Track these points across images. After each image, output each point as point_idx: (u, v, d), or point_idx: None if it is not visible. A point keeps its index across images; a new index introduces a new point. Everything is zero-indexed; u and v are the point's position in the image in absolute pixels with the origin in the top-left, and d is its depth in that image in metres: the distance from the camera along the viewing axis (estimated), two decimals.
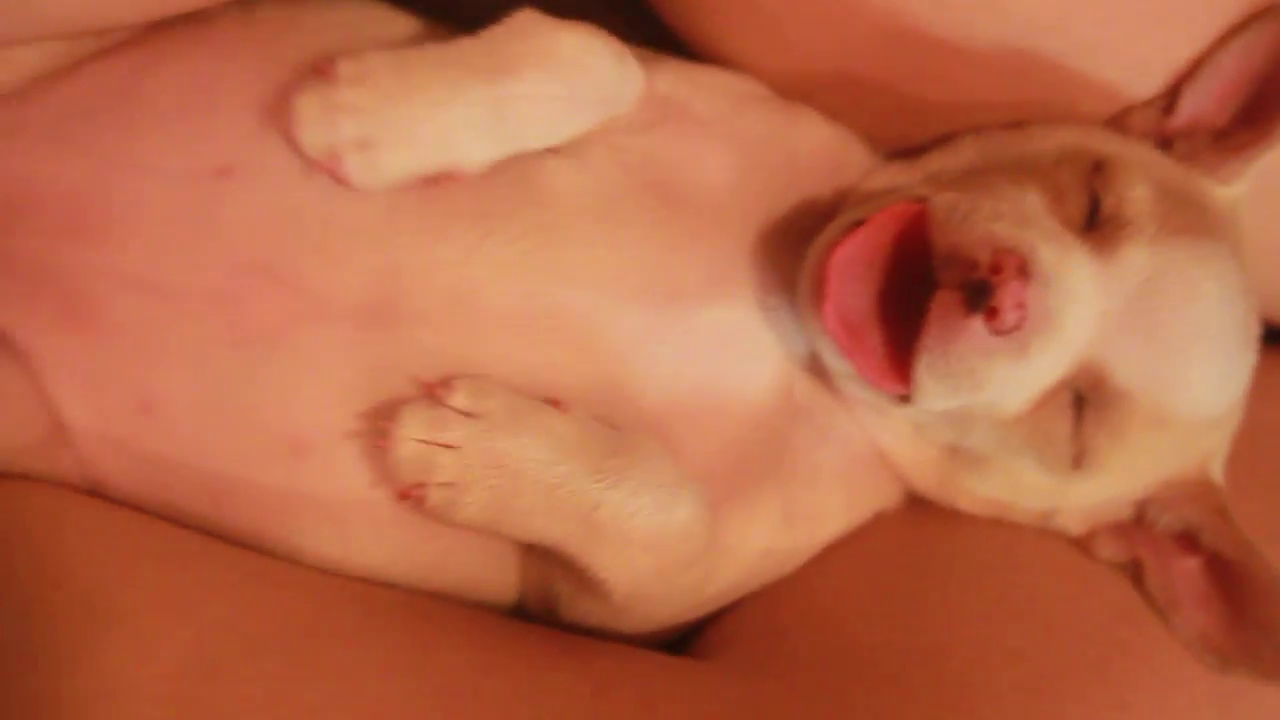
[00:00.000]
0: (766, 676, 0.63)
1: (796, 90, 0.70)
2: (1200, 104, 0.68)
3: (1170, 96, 0.68)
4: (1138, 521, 0.67)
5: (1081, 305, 0.59)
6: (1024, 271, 0.56)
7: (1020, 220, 0.59)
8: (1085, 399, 0.61)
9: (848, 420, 0.67)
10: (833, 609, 0.67)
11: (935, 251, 0.58)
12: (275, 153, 0.62)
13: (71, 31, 0.65)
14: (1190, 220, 0.62)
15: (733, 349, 0.65)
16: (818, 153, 0.69)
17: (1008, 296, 0.56)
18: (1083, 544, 0.68)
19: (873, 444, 0.68)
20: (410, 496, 0.59)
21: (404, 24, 0.69)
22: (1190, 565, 0.66)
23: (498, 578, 0.66)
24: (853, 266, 0.60)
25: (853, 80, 0.69)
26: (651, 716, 0.59)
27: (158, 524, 0.63)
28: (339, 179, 0.61)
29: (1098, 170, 0.63)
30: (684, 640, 0.69)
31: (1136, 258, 0.60)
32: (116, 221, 0.63)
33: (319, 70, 0.62)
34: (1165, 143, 0.68)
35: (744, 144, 0.68)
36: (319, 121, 0.60)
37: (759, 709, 0.61)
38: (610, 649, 0.64)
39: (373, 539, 0.63)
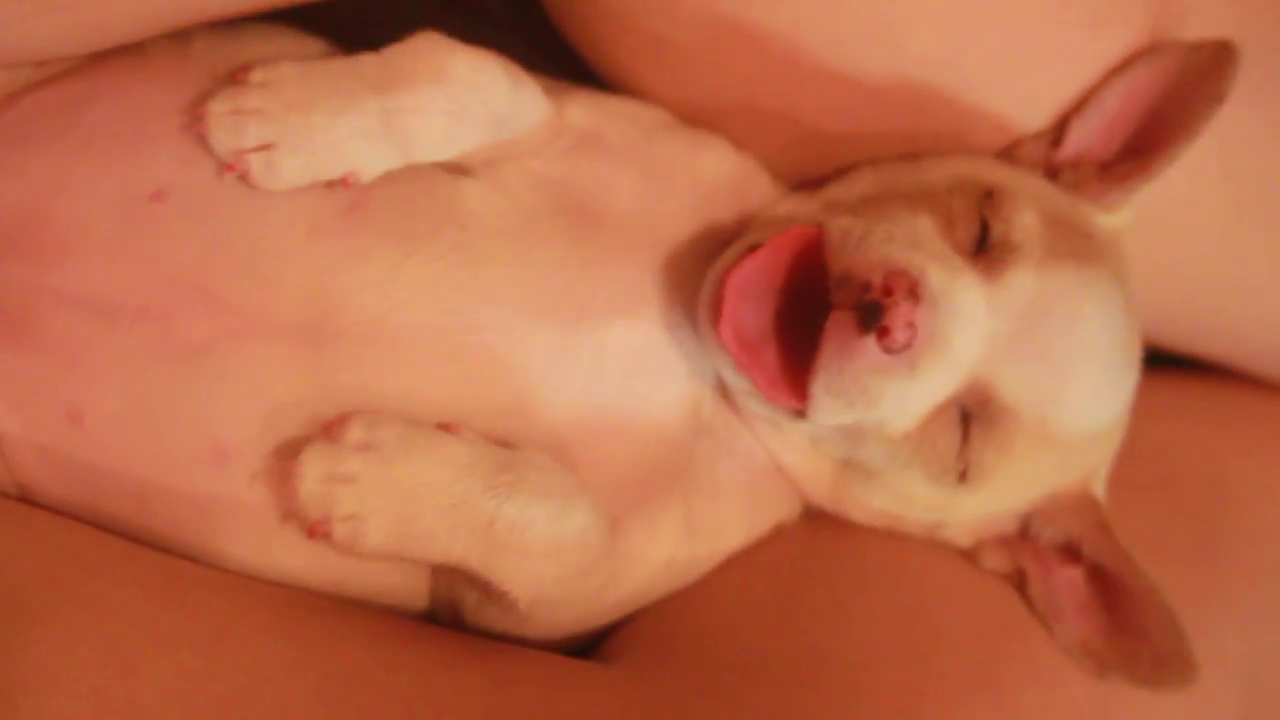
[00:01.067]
0: (661, 677, 0.66)
1: (702, 120, 0.73)
2: (1086, 137, 0.71)
3: (1058, 129, 0.71)
4: (1022, 534, 0.70)
5: (970, 326, 0.62)
6: (914, 293, 0.59)
7: (912, 244, 0.61)
8: (973, 416, 0.64)
9: (749, 436, 0.70)
10: (726, 615, 0.69)
11: (830, 273, 0.61)
12: (206, 178, 0.65)
13: (11, 62, 0.68)
14: (1075, 246, 0.65)
15: (640, 367, 0.68)
16: (722, 180, 0.72)
17: (899, 317, 0.59)
18: (970, 555, 0.71)
19: (772, 459, 0.71)
20: (318, 533, 0.61)
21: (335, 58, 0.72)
22: (1072, 575, 0.69)
23: (409, 585, 0.69)
24: (749, 287, 0.63)
25: (755, 112, 0.72)
26: (550, 711, 0.62)
27: (80, 527, 0.65)
28: (244, 180, 0.64)
29: (988, 198, 0.65)
30: (586, 652, 0.71)
31: (1023, 281, 0.63)
32: (54, 241, 0.65)
33: (234, 77, 0.65)
34: (1053, 173, 0.71)
35: (652, 170, 0.71)
36: (228, 125, 0.64)
37: (652, 706, 0.63)
38: (512, 649, 0.66)
39: (289, 546, 0.65)
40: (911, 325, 0.59)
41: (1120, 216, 0.71)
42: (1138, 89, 0.70)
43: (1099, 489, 0.69)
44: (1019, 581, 0.70)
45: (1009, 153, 0.72)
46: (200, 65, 0.69)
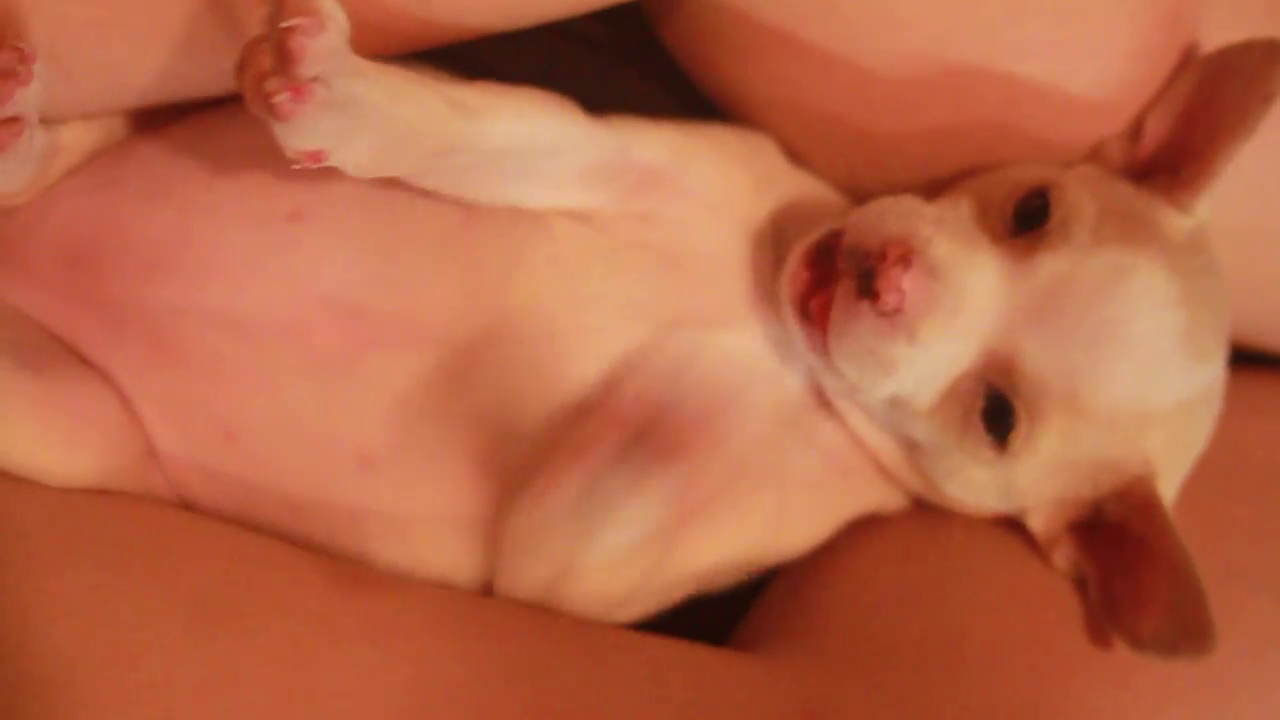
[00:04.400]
0: (802, 663, 0.68)
1: (816, 137, 0.76)
2: (1164, 130, 0.72)
3: (1137, 126, 0.72)
4: (1092, 525, 0.70)
5: (980, 296, 0.63)
6: (905, 259, 0.61)
7: (932, 220, 0.63)
8: (1001, 389, 0.64)
9: (833, 429, 0.72)
10: (861, 603, 0.71)
11: (843, 246, 0.64)
12: (340, 198, 0.68)
13: (163, 101, 0.71)
14: (1126, 233, 0.65)
15: (731, 375, 0.70)
16: (798, 213, 0.74)
17: (888, 281, 0.61)
18: (1043, 553, 0.72)
19: (864, 452, 0.73)
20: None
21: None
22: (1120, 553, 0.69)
23: None
24: (822, 261, 0.66)
25: (866, 134, 0.74)
26: (704, 697, 0.64)
27: (248, 533, 0.68)
28: None
29: (1037, 188, 0.66)
30: (722, 635, 0.75)
31: (1052, 261, 0.63)
32: (196, 263, 0.68)
33: None
34: (1137, 172, 0.72)
35: (728, 210, 0.72)
36: None
37: (798, 690, 0.66)
38: (660, 640, 0.69)
39: (435, 546, 0.68)
40: (900, 289, 0.61)
41: (1195, 217, 0.69)
42: (1203, 84, 0.71)
43: (1163, 472, 0.67)
44: (1082, 583, 0.71)
45: (1095, 154, 0.73)
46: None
